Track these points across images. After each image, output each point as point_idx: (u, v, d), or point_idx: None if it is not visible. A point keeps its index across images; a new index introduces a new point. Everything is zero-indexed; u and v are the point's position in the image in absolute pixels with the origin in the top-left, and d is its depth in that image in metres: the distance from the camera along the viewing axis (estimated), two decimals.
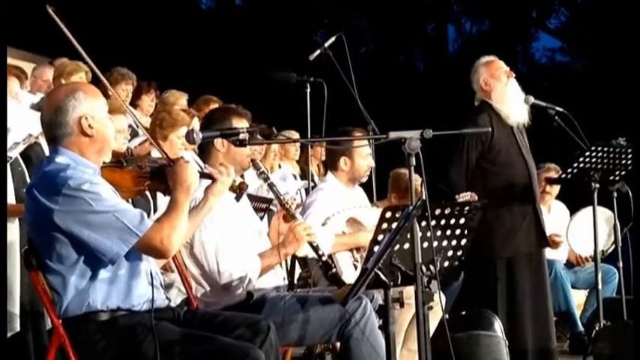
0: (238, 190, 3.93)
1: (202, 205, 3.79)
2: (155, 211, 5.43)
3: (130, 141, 6.00)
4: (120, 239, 3.32)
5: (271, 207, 5.88)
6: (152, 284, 3.50)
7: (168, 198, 3.61)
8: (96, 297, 3.38)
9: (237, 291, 4.22)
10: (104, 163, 3.59)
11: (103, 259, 3.34)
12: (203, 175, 3.80)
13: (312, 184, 6.62)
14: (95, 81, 7.17)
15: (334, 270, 4.48)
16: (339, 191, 5.42)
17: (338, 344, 4.53)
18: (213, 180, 3.79)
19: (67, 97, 3.49)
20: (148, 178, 3.62)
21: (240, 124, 4.37)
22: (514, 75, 5.98)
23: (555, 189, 7.74)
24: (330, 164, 5.55)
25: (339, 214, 5.27)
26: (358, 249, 5.16)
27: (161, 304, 3.57)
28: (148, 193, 5.10)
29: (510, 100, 5.92)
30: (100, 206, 3.31)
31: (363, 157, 5.44)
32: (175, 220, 3.42)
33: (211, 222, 4.12)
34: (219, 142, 4.37)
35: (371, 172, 5.66)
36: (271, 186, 4.51)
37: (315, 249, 4.43)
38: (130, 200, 3.68)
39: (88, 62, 3.98)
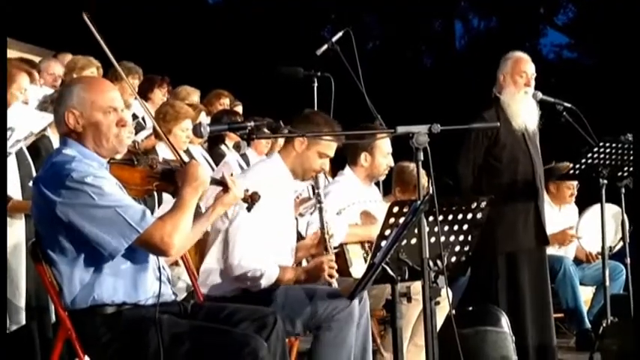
0: (250, 200, 3.90)
1: (210, 212, 3.79)
2: (159, 204, 5.43)
3: (136, 134, 6.01)
4: (120, 234, 3.30)
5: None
6: (160, 279, 3.50)
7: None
8: (101, 291, 3.38)
9: (240, 286, 4.26)
10: (115, 159, 3.57)
11: (103, 253, 3.33)
12: (217, 182, 3.79)
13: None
14: (105, 75, 7.21)
15: None
16: (355, 186, 5.45)
17: None
18: (226, 189, 3.77)
19: (63, 90, 3.54)
20: (158, 178, 3.60)
21: (330, 142, 4.44)
22: (532, 85, 5.95)
23: (574, 188, 7.69)
24: (350, 159, 5.55)
25: (354, 206, 5.29)
26: (370, 243, 5.17)
27: (168, 299, 3.57)
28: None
29: (517, 106, 5.90)
30: (103, 200, 3.30)
31: (384, 155, 5.47)
32: (179, 218, 3.39)
33: (256, 218, 4.14)
34: (298, 142, 4.45)
35: None
36: (321, 211, 4.53)
37: (330, 285, 4.44)
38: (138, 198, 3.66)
39: (117, 69, 3.96)
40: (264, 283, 4.25)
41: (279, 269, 4.30)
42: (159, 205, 5.50)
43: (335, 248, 4.97)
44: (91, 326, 3.39)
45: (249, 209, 3.93)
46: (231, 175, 3.93)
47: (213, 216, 3.81)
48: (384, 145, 5.45)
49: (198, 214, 3.65)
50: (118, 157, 3.58)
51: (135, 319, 3.39)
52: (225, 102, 8.06)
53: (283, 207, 4.45)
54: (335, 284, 4.43)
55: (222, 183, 3.78)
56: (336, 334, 4.17)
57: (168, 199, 4.27)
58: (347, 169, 5.55)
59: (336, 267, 4.45)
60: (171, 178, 3.59)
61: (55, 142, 5.43)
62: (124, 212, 3.30)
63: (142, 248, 3.39)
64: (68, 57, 7.77)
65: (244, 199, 3.89)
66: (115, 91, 3.54)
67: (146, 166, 3.60)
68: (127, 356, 3.41)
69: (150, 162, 3.61)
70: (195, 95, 7.88)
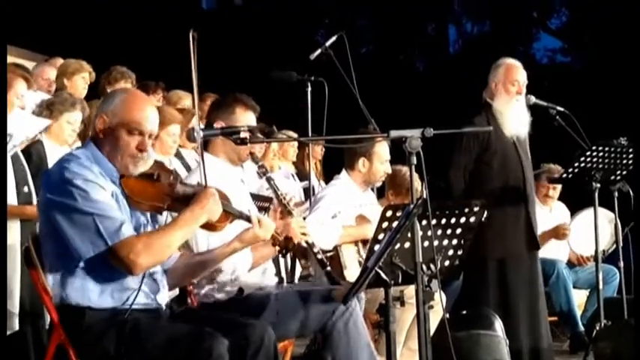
0: (284, 246, 3.88)
1: (227, 245, 3.83)
2: None
3: None
4: (90, 242, 3.32)
5: (272, 206, 5.86)
6: (139, 288, 3.46)
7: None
8: (71, 290, 3.38)
9: (224, 281, 4.21)
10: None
11: (73, 255, 3.34)
12: (241, 217, 3.77)
13: (311, 183, 6.60)
14: (97, 83, 7.19)
15: (329, 268, 4.47)
16: (351, 190, 5.44)
17: None
18: (249, 222, 3.78)
19: (113, 94, 3.64)
20: (173, 199, 3.55)
21: (244, 115, 4.37)
22: (523, 93, 5.96)
23: (557, 191, 7.73)
24: (347, 163, 5.55)
25: (349, 210, 5.29)
26: (365, 243, 5.16)
27: (148, 308, 3.54)
28: None
29: (509, 114, 5.92)
30: (85, 205, 3.32)
31: (382, 161, 5.49)
32: (155, 239, 3.39)
33: None
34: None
35: None
36: (269, 180, 4.50)
37: (310, 246, 4.43)
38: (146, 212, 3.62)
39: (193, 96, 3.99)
40: (242, 270, 4.21)
41: (251, 253, 4.23)
42: None
43: (330, 251, 4.97)
44: (66, 324, 3.41)
45: (282, 254, 3.93)
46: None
47: (229, 250, 3.85)
48: (382, 152, 5.47)
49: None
50: (135, 172, 3.54)
51: (98, 320, 3.39)
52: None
53: (239, 196, 4.34)
54: (321, 256, 4.42)
55: (246, 218, 3.77)
56: (345, 327, 4.13)
57: None
58: (343, 172, 5.55)
59: (306, 227, 4.36)
60: (187, 202, 3.54)
61: (48, 147, 5.43)
62: (101, 221, 3.32)
63: (111, 260, 3.36)
64: (60, 62, 7.76)
65: (275, 243, 3.88)
66: (152, 114, 3.57)
67: (165, 184, 3.56)
68: (95, 355, 3.41)
69: (171, 180, 3.58)
70: (187, 99, 7.86)
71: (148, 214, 3.62)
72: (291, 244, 3.91)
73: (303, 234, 4.33)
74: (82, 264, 3.37)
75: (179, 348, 3.33)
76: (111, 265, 3.37)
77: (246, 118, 4.39)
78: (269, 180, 4.49)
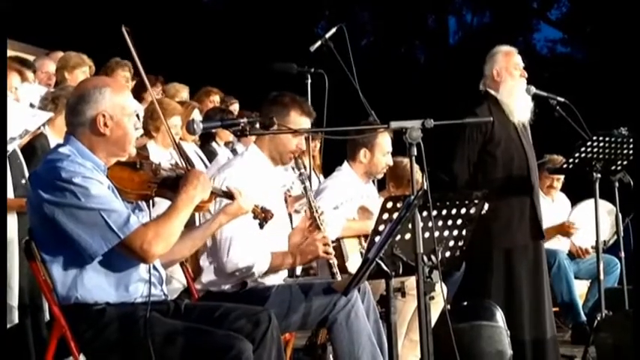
0: (263, 217, 3.90)
1: (212, 219, 3.84)
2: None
3: None
4: (101, 238, 3.30)
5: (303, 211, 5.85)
6: (150, 281, 3.47)
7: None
8: (85, 290, 3.37)
9: (238, 280, 4.23)
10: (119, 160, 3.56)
11: (83, 255, 3.33)
12: (224, 194, 3.78)
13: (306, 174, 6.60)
14: (97, 73, 7.17)
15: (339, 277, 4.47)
16: (353, 181, 5.44)
17: None
18: (231, 199, 3.79)
19: (95, 89, 3.51)
20: (158, 184, 3.56)
21: (298, 119, 4.34)
22: (526, 76, 5.95)
23: (560, 182, 7.74)
24: (349, 154, 5.55)
25: (351, 201, 5.29)
26: (367, 237, 5.16)
27: (157, 300, 3.54)
28: None
29: (517, 99, 5.88)
30: (88, 202, 3.30)
31: (384, 153, 5.49)
32: (163, 226, 3.39)
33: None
34: None
35: None
36: (307, 190, 4.50)
37: (330, 265, 4.44)
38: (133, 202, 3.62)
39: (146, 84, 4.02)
40: (257, 272, 4.23)
41: (270, 257, 4.26)
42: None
43: (332, 242, 4.98)
44: (74, 323, 3.39)
45: (261, 226, 3.92)
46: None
47: (215, 225, 3.85)
48: (384, 143, 5.46)
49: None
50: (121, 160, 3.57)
51: (119, 316, 3.39)
52: (215, 99, 8.03)
53: (271, 196, 4.35)
54: (336, 269, 4.44)
55: (228, 195, 3.79)
56: (347, 320, 4.14)
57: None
58: (345, 164, 5.55)
59: (330, 243, 4.39)
60: (173, 186, 3.55)
61: (52, 141, 5.41)
62: (108, 216, 3.30)
63: (124, 253, 3.37)
64: (60, 56, 7.76)
65: (256, 215, 3.89)
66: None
67: (149, 171, 3.57)
68: (112, 353, 3.40)
69: (154, 167, 3.58)
70: (184, 92, 7.86)
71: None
72: (269, 216, 3.91)
73: (326, 252, 4.35)
74: (94, 261, 3.36)
75: (206, 353, 3.33)
76: (120, 258, 3.38)
77: (299, 122, 4.36)
78: (306, 190, 4.50)
